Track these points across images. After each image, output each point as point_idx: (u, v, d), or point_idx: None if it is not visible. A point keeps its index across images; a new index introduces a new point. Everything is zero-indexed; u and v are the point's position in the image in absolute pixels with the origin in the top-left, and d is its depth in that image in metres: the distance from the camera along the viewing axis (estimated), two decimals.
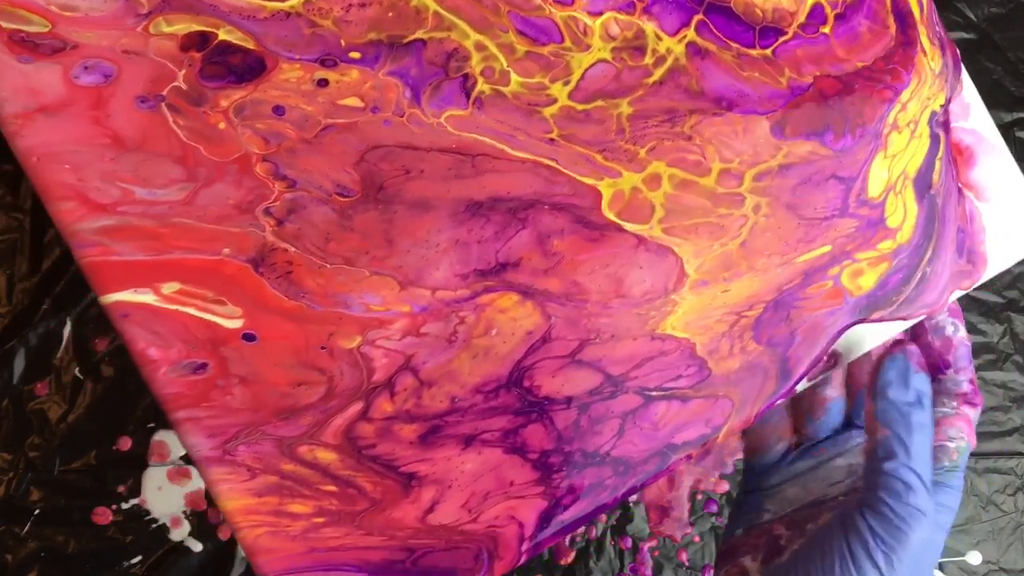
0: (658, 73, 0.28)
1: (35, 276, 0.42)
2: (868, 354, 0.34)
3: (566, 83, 0.27)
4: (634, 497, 0.49)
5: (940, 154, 0.32)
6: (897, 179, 0.31)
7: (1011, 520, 0.54)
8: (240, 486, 0.26)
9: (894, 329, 0.33)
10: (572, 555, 0.49)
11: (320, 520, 0.27)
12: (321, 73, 0.25)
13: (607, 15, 0.27)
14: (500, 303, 0.28)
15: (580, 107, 0.27)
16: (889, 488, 0.29)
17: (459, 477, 0.28)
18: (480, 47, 0.26)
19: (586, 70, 0.27)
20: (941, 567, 0.53)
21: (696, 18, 0.28)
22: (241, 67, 0.25)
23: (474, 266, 0.27)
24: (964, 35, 0.50)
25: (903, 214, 0.32)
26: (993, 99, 0.50)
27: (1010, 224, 0.35)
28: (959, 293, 0.34)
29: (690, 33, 0.28)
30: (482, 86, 0.27)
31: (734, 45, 0.28)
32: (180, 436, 0.26)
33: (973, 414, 0.33)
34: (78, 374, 0.43)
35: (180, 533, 0.44)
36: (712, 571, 0.50)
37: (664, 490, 0.49)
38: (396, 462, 0.28)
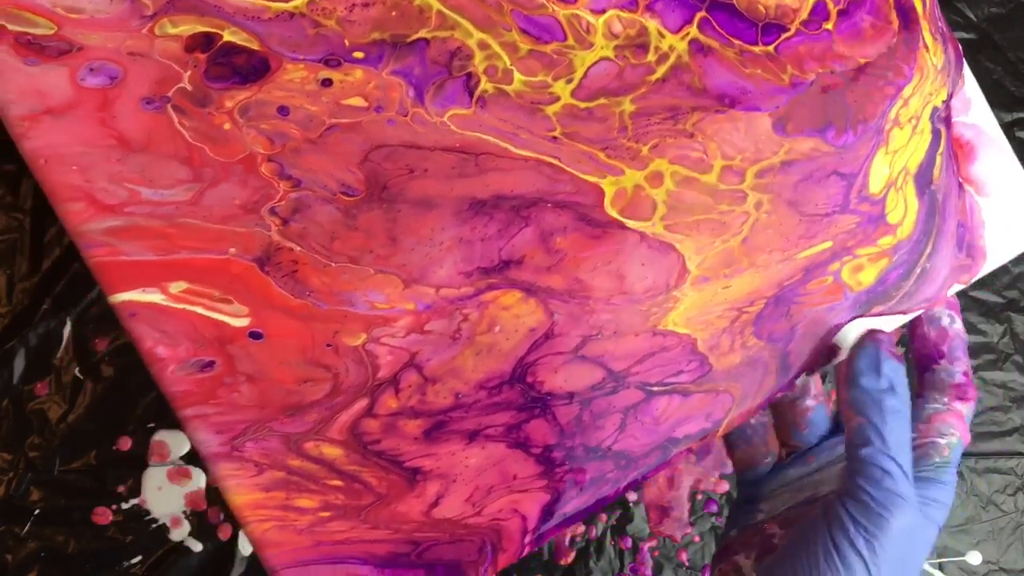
0: (661, 71, 0.28)
1: (35, 276, 0.42)
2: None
3: (569, 81, 0.27)
4: (634, 497, 0.50)
5: (941, 149, 0.32)
6: (898, 175, 0.31)
7: (1011, 520, 0.54)
8: (248, 481, 0.27)
9: (893, 323, 0.34)
10: (572, 555, 0.49)
11: (326, 514, 0.27)
12: (325, 73, 0.26)
13: (610, 13, 0.27)
14: (503, 300, 0.28)
15: (583, 105, 0.28)
16: (866, 475, 0.29)
17: (463, 472, 0.29)
18: (483, 46, 0.27)
19: (589, 68, 0.27)
20: (941, 567, 0.53)
21: (699, 15, 0.28)
22: (246, 68, 0.25)
23: (477, 264, 0.28)
24: (964, 35, 0.51)
25: (904, 210, 0.32)
26: (993, 99, 0.50)
27: (1010, 218, 0.35)
28: (958, 287, 0.35)
29: (693, 30, 0.28)
30: (485, 85, 0.27)
31: (737, 42, 0.28)
32: (188, 433, 0.26)
33: (966, 410, 0.33)
34: (78, 374, 0.43)
35: (180, 533, 0.44)
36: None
37: (664, 490, 0.50)
38: (401, 457, 0.28)
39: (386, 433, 0.28)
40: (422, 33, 0.26)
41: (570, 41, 0.27)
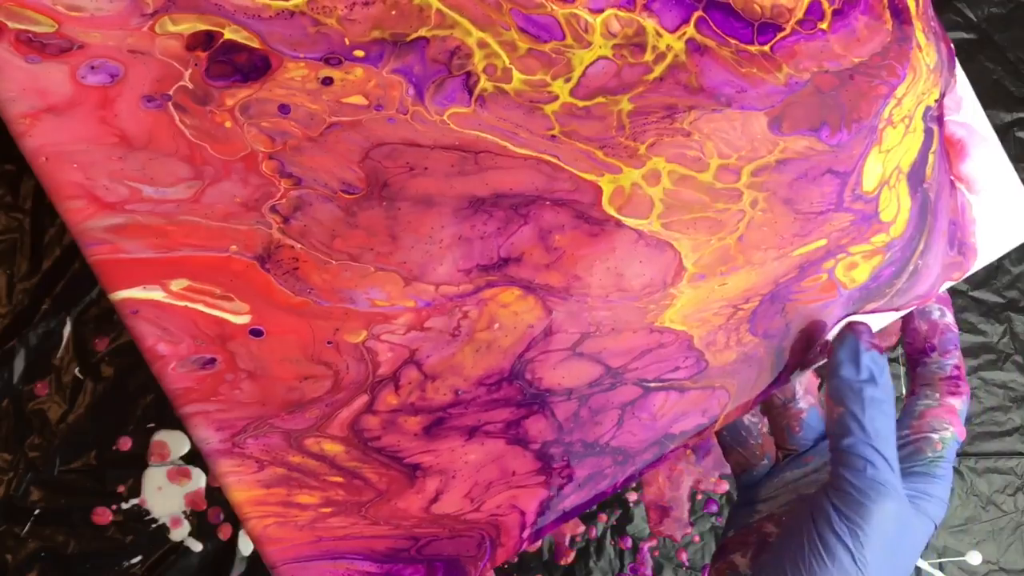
0: (658, 70, 0.28)
1: (35, 276, 0.42)
2: None
3: (567, 80, 0.28)
4: (634, 497, 0.50)
5: (933, 148, 0.33)
6: (891, 173, 0.32)
7: (1011, 520, 0.54)
8: (249, 478, 0.27)
9: (886, 320, 0.34)
10: (572, 555, 0.49)
11: (327, 510, 0.28)
12: (326, 71, 0.26)
13: (608, 12, 0.28)
14: (502, 298, 0.28)
15: (581, 104, 0.28)
16: (847, 464, 0.29)
17: (463, 468, 0.29)
18: (482, 44, 0.27)
19: (587, 67, 0.28)
20: (941, 567, 0.53)
21: (696, 15, 0.28)
22: (247, 66, 0.25)
23: (477, 261, 0.28)
24: (964, 35, 0.51)
25: (896, 208, 0.32)
26: (993, 99, 0.50)
27: (1000, 215, 0.35)
28: (949, 284, 0.35)
29: (690, 30, 0.28)
30: (484, 83, 0.27)
31: (733, 41, 0.29)
32: (189, 430, 0.26)
33: (959, 405, 0.33)
34: (78, 374, 0.43)
35: (180, 533, 0.44)
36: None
37: (664, 490, 0.50)
38: (401, 453, 0.28)
39: (386, 429, 0.28)
40: (422, 32, 0.26)
41: (568, 40, 0.27)
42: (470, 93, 0.27)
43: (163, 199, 0.25)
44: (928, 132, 0.32)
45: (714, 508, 0.51)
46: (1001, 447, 0.54)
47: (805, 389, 0.36)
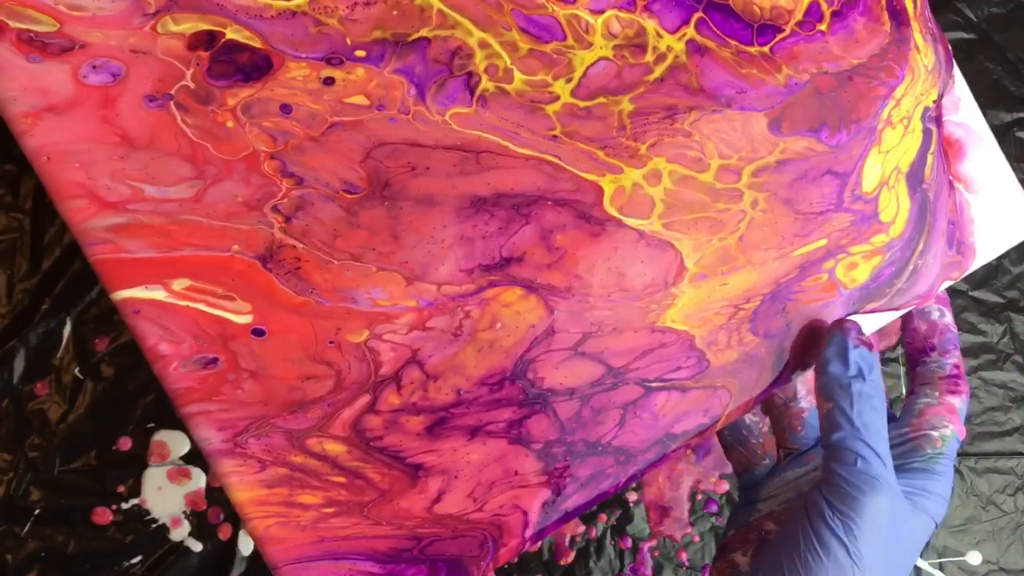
0: (659, 70, 0.28)
1: (35, 276, 0.42)
2: None
3: (568, 80, 0.28)
4: (634, 497, 0.50)
5: (932, 148, 0.33)
6: (890, 174, 0.32)
7: (1011, 520, 0.54)
8: (251, 478, 0.27)
9: (886, 319, 0.34)
10: (572, 555, 0.49)
11: (329, 510, 0.28)
12: (327, 71, 0.26)
13: (609, 13, 0.28)
14: (504, 297, 0.28)
15: (582, 104, 0.28)
16: (838, 458, 0.29)
17: (465, 467, 0.29)
18: (484, 45, 0.27)
19: (588, 67, 0.28)
20: (941, 567, 0.53)
21: (696, 16, 0.28)
22: (248, 66, 0.25)
23: (479, 261, 0.28)
24: (964, 35, 0.51)
25: (896, 208, 0.32)
26: (993, 99, 0.50)
27: (998, 215, 0.35)
28: (948, 283, 0.35)
29: (690, 31, 0.28)
30: (486, 84, 0.27)
31: (733, 42, 0.29)
32: (191, 430, 0.26)
33: (959, 403, 0.33)
34: (78, 374, 0.43)
35: (180, 533, 0.44)
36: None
37: (664, 490, 0.50)
38: (403, 453, 0.28)
39: (388, 429, 0.28)
40: (423, 32, 0.26)
41: (569, 41, 0.27)
42: (471, 93, 0.27)
43: (165, 199, 0.25)
44: (927, 133, 0.32)
45: (714, 508, 0.51)
46: (1001, 447, 0.54)
47: (807, 388, 0.36)
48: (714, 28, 0.28)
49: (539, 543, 0.47)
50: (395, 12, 0.26)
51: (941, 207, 0.34)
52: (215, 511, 0.44)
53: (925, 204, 0.33)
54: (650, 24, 0.28)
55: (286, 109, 0.26)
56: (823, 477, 0.30)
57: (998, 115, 0.50)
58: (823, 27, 0.30)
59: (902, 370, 0.51)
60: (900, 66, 0.31)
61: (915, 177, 0.32)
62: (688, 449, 0.49)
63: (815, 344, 0.33)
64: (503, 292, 0.28)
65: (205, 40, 0.25)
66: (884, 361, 0.51)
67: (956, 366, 0.34)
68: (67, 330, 0.42)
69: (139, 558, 0.43)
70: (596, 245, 0.29)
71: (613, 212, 0.29)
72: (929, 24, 0.32)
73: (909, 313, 0.35)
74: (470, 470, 0.29)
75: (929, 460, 0.31)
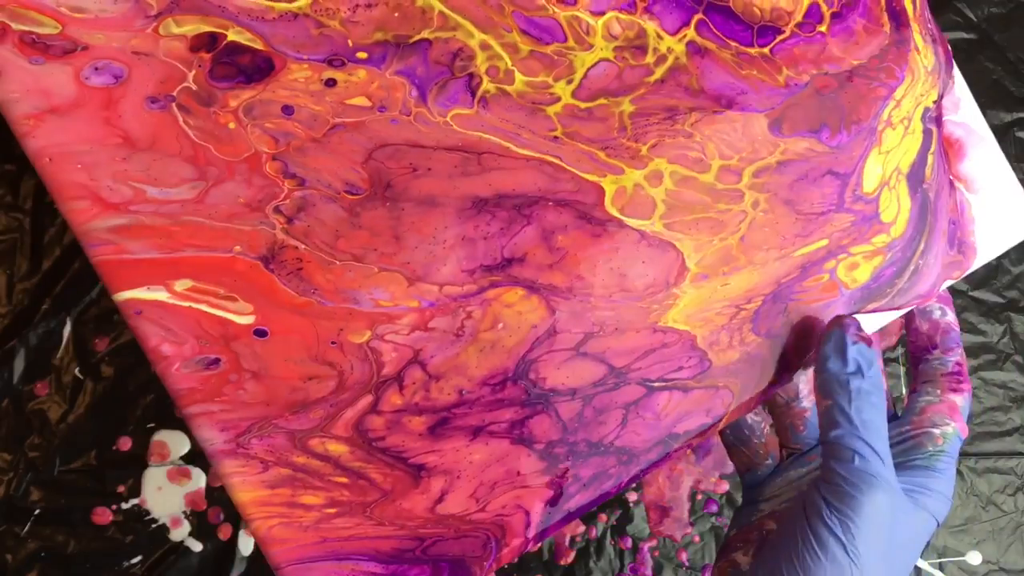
0: (659, 72, 0.28)
1: (35, 276, 0.42)
2: None
3: (569, 82, 0.28)
4: (634, 497, 0.50)
5: (932, 149, 0.33)
6: (891, 174, 0.32)
7: (1011, 520, 0.53)
8: (253, 478, 0.27)
9: (887, 319, 0.34)
10: (572, 555, 0.49)
11: (332, 511, 0.28)
12: (329, 73, 0.26)
13: (609, 15, 0.28)
14: (506, 298, 0.28)
15: (583, 105, 0.28)
16: (836, 456, 0.29)
17: (467, 468, 0.29)
18: (485, 46, 0.27)
19: (589, 69, 0.28)
20: (941, 567, 0.53)
21: (696, 17, 0.28)
22: (250, 67, 0.25)
23: (480, 262, 0.28)
24: (964, 35, 0.51)
25: (897, 208, 0.32)
26: (993, 99, 0.50)
27: (999, 215, 0.35)
28: (949, 282, 0.35)
29: (690, 32, 0.28)
30: (487, 85, 0.27)
31: (733, 44, 0.29)
32: (193, 430, 0.26)
33: (961, 402, 0.33)
34: (78, 374, 0.43)
35: (180, 533, 0.44)
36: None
37: (664, 490, 0.50)
38: (406, 454, 0.28)
39: (391, 430, 0.28)
40: (424, 34, 0.26)
41: (570, 42, 0.27)
42: (473, 94, 0.27)
43: (167, 200, 0.25)
44: (927, 133, 0.32)
45: (714, 508, 0.51)
46: (1001, 447, 0.54)
47: (808, 388, 0.36)
48: (714, 30, 0.29)
49: (540, 543, 0.47)
50: (396, 14, 0.26)
51: (942, 207, 0.34)
52: (215, 511, 0.44)
53: (926, 204, 0.33)
54: (650, 26, 0.28)
55: (288, 110, 0.26)
56: (821, 475, 0.30)
57: (998, 115, 0.50)
58: (823, 28, 0.30)
59: (902, 370, 0.51)
60: (900, 67, 0.31)
61: (916, 177, 0.33)
62: (688, 449, 0.49)
63: (815, 342, 0.33)
64: (505, 292, 0.28)
65: (207, 42, 0.25)
66: (884, 361, 0.51)
67: (958, 364, 0.34)
68: (67, 330, 0.42)
69: (139, 558, 0.43)
70: (597, 245, 0.29)
71: (614, 213, 0.29)
72: (929, 25, 0.32)
73: (911, 312, 0.35)
74: (472, 470, 0.29)
75: (930, 458, 0.31)
